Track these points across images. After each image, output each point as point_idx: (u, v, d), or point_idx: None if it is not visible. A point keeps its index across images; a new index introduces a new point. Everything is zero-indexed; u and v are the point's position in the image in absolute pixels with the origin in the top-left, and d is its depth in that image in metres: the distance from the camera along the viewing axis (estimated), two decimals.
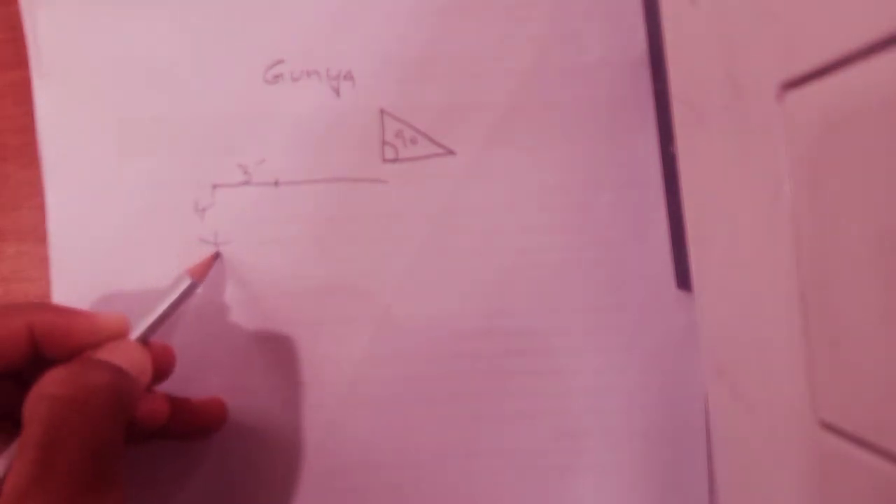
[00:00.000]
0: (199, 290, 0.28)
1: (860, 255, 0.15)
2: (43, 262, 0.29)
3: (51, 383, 0.21)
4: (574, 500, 0.28)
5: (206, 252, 0.29)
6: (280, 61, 0.29)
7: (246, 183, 0.29)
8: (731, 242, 0.22)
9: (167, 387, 0.27)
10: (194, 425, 0.27)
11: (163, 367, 0.26)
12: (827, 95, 0.16)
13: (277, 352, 0.29)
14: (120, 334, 0.24)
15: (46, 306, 0.24)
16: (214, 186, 0.29)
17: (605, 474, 0.29)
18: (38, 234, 0.29)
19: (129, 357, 0.23)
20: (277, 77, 0.29)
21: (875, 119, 0.15)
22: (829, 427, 0.18)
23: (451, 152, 0.29)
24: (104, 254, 0.29)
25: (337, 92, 0.29)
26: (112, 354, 0.23)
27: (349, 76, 0.29)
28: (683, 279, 0.28)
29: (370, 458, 0.29)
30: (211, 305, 0.29)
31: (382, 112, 0.29)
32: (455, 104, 0.29)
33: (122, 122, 0.29)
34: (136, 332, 0.25)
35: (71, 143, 0.29)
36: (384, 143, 0.29)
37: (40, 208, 0.29)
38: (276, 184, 0.29)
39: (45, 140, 0.29)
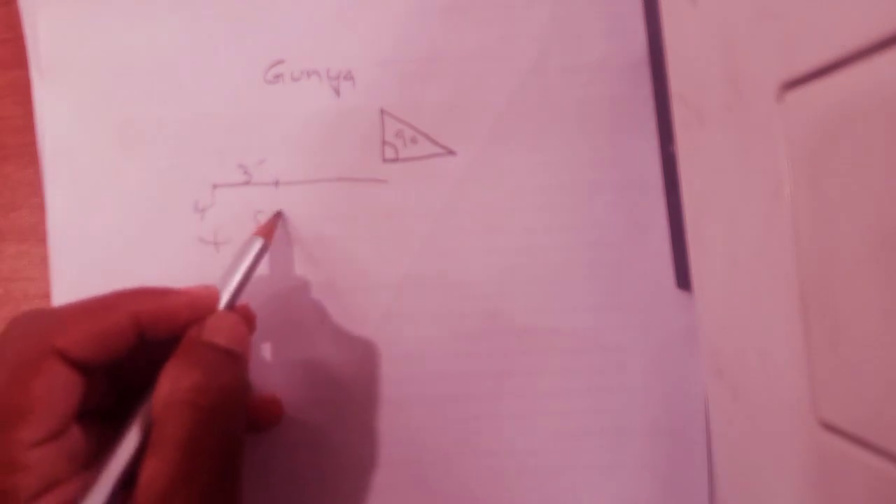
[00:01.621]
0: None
1: (860, 255, 0.15)
2: (43, 262, 0.29)
3: (190, 389, 0.21)
4: (574, 500, 0.28)
5: (206, 251, 0.29)
6: (280, 61, 0.29)
7: (246, 183, 0.29)
8: (731, 242, 0.22)
9: None
10: (252, 421, 0.27)
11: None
12: (827, 95, 0.16)
13: (277, 352, 0.29)
14: (213, 306, 0.24)
15: (145, 292, 0.23)
16: (214, 186, 0.29)
17: (606, 474, 0.29)
18: (38, 234, 0.29)
19: (232, 333, 0.23)
20: (277, 77, 0.29)
21: (875, 119, 0.15)
22: (829, 427, 0.18)
23: (451, 152, 0.29)
24: (104, 254, 0.29)
25: (337, 92, 0.29)
26: (215, 333, 0.23)
27: (349, 76, 0.29)
28: (683, 279, 0.28)
29: (370, 457, 0.29)
30: None
31: (382, 112, 0.29)
32: (455, 104, 0.29)
33: (122, 121, 0.29)
34: (223, 303, 0.25)
35: (71, 143, 0.29)
36: (384, 143, 0.29)
37: (40, 208, 0.29)
38: (276, 184, 0.29)
39: (45, 140, 0.29)
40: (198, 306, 0.24)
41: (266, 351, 0.29)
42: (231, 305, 0.25)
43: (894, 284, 0.15)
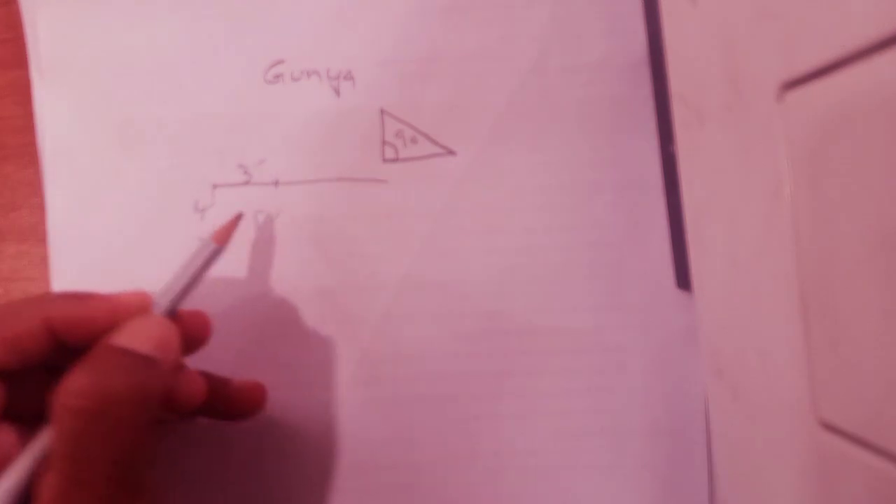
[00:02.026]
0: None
1: (860, 255, 0.15)
2: (43, 262, 0.29)
3: (72, 393, 0.20)
4: (574, 500, 0.28)
5: (205, 251, 0.29)
6: (280, 61, 0.29)
7: (246, 183, 0.29)
8: (731, 242, 0.22)
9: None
10: (232, 407, 0.27)
11: (196, 335, 0.25)
12: (827, 95, 0.16)
13: (277, 352, 0.29)
14: (141, 312, 0.24)
15: (63, 297, 0.23)
16: (214, 186, 0.29)
17: (606, 474, 0.29)
18: (38, 234, 0.29)
19: (151, 337, 0.22)
20: (277, 77, 0.29)
21: (875, 119, 0.15)
22: (829, 427, 0.18)
23: (451, 152, 0.29)
24: (104, 254, 0.29)
25: (337, 92, 0.29)
26: (133, 338, 0.22)
27: (349, 76, 0.29)
28: (683, 279, 0.28)
29: (370, 458, 0.29)
30: (210, 306, 0.29)
31: (382, 112, 0.29)
32: (455, 104, 0.29)
33: (122, 121, 0.29)
34: (159, 307, 0.24)
35: (71, 143, 0.29)
36: (384, 143, 0.29)
37: (40, 208, 0.29)
38: (276, 184, 0.29)
39: (45, 140, 0.29)
40: (120, 312, 0.23)
41: (265, 351, 0.29)
42: (173, 310, 0.24)
43: (894, 284, 0.15)
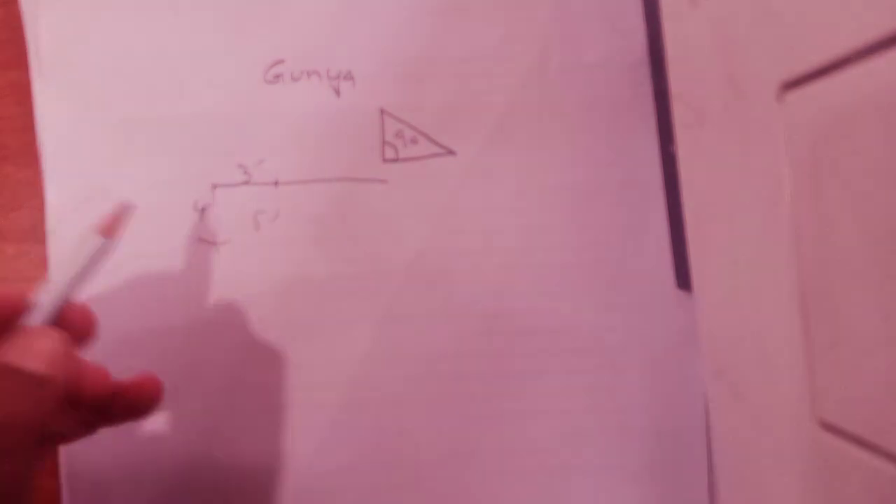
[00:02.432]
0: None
1: (860, 256, 0.15)
2: (43, 262, 0.29)
3: None
4: (574, 500, 0.28)
5: (206, 251, 0.29)
6: (280, 61, 0.29)
7: (246, 183, 0.29)
8: (731, 242, 0.22)
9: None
10: (128, 406, 0.24)
11: (83, 330, 0.23)
12: (827, 95, 0.16)
13: (277, 352, 0.29)
14: (19, 311, 0.22)
15: None
16: (214, 186, 0.29)
17: (606, 474, 0.29)
18: (38, 234, 0.29)
19: (42, 353, 0.20)
20: (277, 77, 0.29)
21: (875, 119, 0.15)
22: (829, 427, 0.18)
23: (451, 152, 0.29)
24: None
25: (337, 92, 0.29)
26: (24, 353, 0.20)
27: (349, 76, 0.29)
28: (683, 279, 0.28)
29: (371, 458, 0.29)
30: (210, 305, 0.29)
31: (382, 112, 0.29)
32: (455, 104, 0.29)
33: (122, 122, 0.29)
34: (42, 310, 0.22)
35: (71, 143, 0.29)
36: (384, 143, 0.29)
37: (40, 208, 0.29)
38: (276, 184, 0.29)
39: (45, 140, 0.29)
40: None
41: (265, 351, 0.29)
42: (55, 313, 0.22)
43: (894, 285, 0.15)
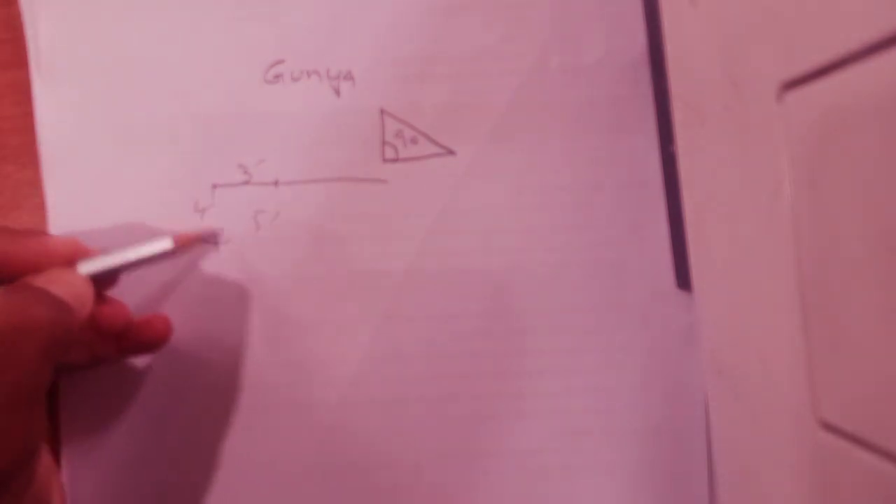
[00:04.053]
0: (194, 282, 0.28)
1: (860, 255, 0.15)
2: None
3: None
4: (574, 500, 0.28)
5: (206, 252, 0.29)
6: (280, 61, 0.29)
7: (246, 183, 0.29)
8: (731, 242, 0.22)
9: None
10: (138, 339, 0.27)
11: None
12: (827, 95, 0.16)
13: (277, 352, 0.29)
14: (70, 259, 0.24)
15: None
16: (214, 186, 0.29)
17: (606, 474, 0.29)
18: None
19: (71, 286, 0.23)
20: (277, 77, 0.29)
21: (875, 119, 0.15)
22: (829, 427, 0.18)
23: (451, 152, 0.29)
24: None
25: (337, 92, 0.29)
26: (52, 282, 0.22)
27: (349, 76, 0.29)
28: (683, 279, 0.28)
29: (370, 458, 0.29)
30: (210, 305, 0.29)
31: (382, 112, 0.29)
32: (455, 104, 0.29)
33: (122, 122, 0.29)
34: (87, 266, 0.24)
35: (71, 143, 0.29)
36: (384, 143, 0.29)
37: (40, 208, 0.29)
38: (276, 184, 0.29)
39: (45, 140, 0.29)
40: (50, 254, 0.24)
41: (265, 351, 0.29)
42: (99, 275, 0.24)
43: (894, 285, 0.15)
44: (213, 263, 0.29)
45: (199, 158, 0.29)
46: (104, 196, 0.29)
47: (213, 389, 0.29)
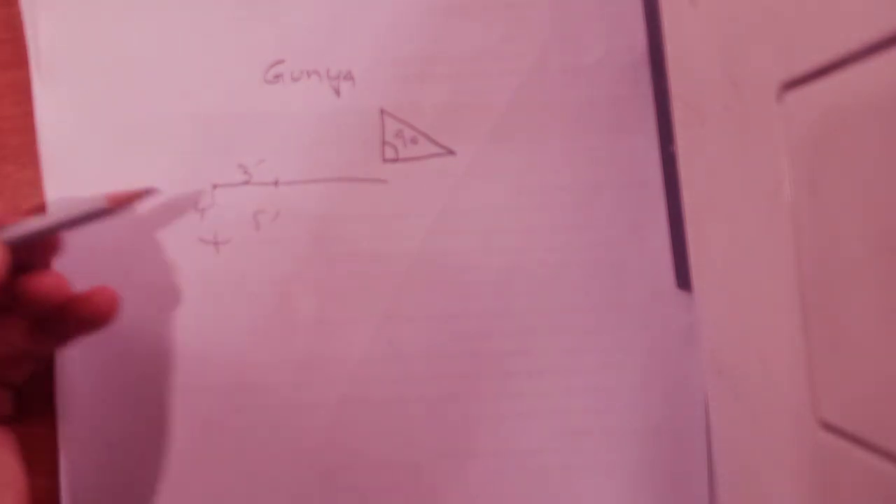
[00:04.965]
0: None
1: (860, 255, 0.15)
2: None
3: None
4: (574, 500, 0.28)
5: (206, 251, 0.29)
6: (280, 61, 0.29)
7: (246, 183, 0.29)
8: (731, 242, 0.22)
9: None
10: (80, 316, 0.26)
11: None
12: (827, 95, 0.16)
13: (277, 352, 0.29)
14: None
15: None
16: (214, 186, 0.29)
17: (606, 474, 0.29)
18: None
19: None
20: (277, 77, 0.29)
21: (875, 119, 0.15)
22: (829, 427, 0.18)
23: (451, 152, 0.29)
24: (103, 254, 0.29)
25: (337, 92, 0.29)
26: None
27: (349, 76, 0.29)
28: (683, 279, 0.28)
29: (370, 458, 0.29)
30: (210, 305, 0.29)
31: (382, 112, 0.29)
32: (455, 104, 0.29)
33: (122, 121, 0.29)
34: (8, 231, 0.24)
35: (71, 143, 0.29)
36: (384, 143, 0.29)
37: (40, 208, 0.29)
38: (276, 184, 0.29)
39: (45, 140, 0.29)
40: None
41: (265, 350, 0.29)
42: (26, 242, 0.24)
43: (894, 285, 0.15)
44: (213, 263, 0.29)
45: (199, 158, 0.29)
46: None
47: (212, 389, 0.29)
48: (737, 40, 0.20)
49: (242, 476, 0.29)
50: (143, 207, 0.28)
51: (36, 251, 0.25)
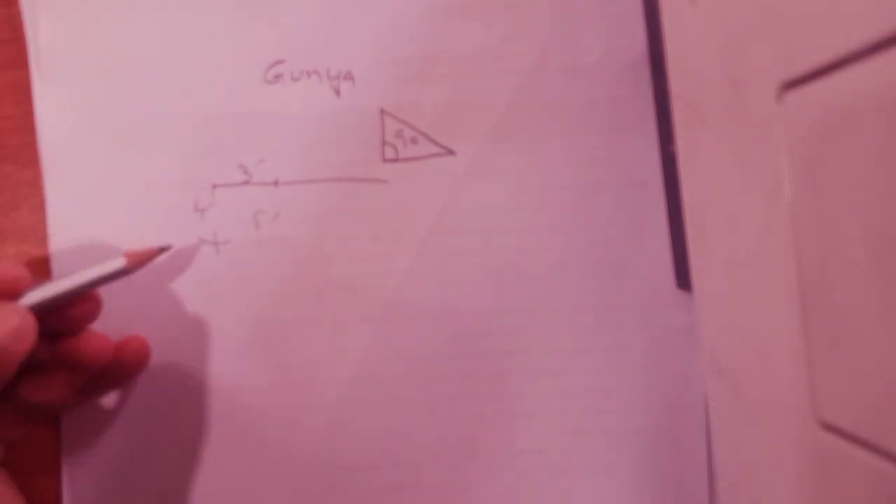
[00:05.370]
0: (183, 287, 0.28)
1: (860, 255, 0.15)
2: (43, 262, 0.29)
3: None
4: (574, 500, 0.28)
5: (206, 251, 0.29)
6: (280, 61, 0.29)
7: (246, 183, 0.29)
8: (731, 242, 0.22)
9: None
10: (120, 372, 0.27)
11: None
12: (827, 95, 0.16)
13: (277, 352, 0.29)
14: (12, 289, 0.24)
15: None
16: (214, 186, 0.29)
17: (605, 474, 0.29)
18: (38, 234, 0.29)
19: (6, 323, 0.23)
20: (277, 77, 0.29)
21: (875, 119, 0.15)
22: (829, 427, 0.18)
23: (451, 152, 0.29)
24: (104, 254, 0.29)
25: (337, 92, 0.29)
26: None
27: (349, 76, 0.29)
28: (683, 279, 0.28)
29: (370, 458, 0.29)
30: (210, 305, 0.29)
31: (382, 112, 0.29)
32: (455, 104, 0.29)
33: (122, 121, 0.29)
34: (33, 296, 0.24)
35: (71, 143, 0.29)
36: (384, 143, 0.29)
37: (40, 208, 0.29)
38: (276, 184, 0.29)
39: (45, 140, 0.29)
40: None
41: (265, 351, 0.29)
42: (46, 304, 0.25)
43: (894, 284, 0.15)
44: (213, 263, 0.29)
45: (199, 158, 0.29)
46: (104, 196, 0.29)
47: (212, 390, 0.29)
48: (737, 40, 0.20)
49: (242, 476, 0.29)
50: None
51: (73, 312, 0.26)
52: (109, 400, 0.28)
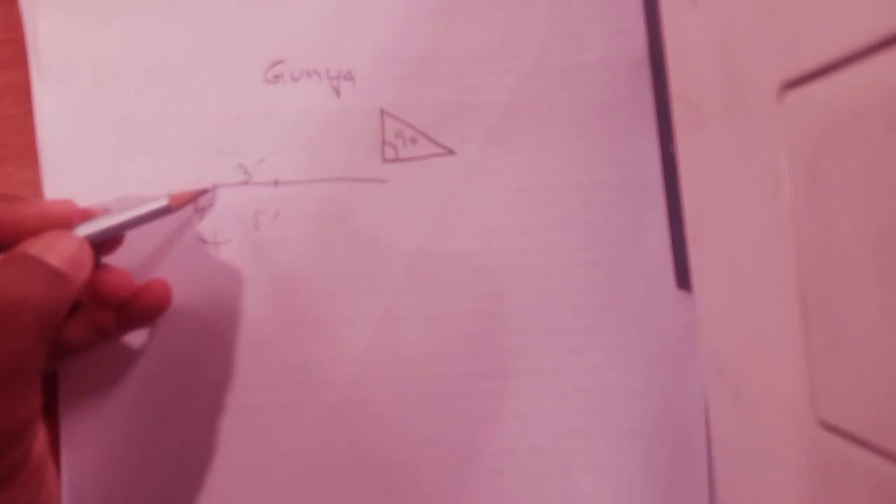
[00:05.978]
0: (192, 288, 0.28)
1: (860, 255, 0.15)
2: None
3: None
4: (574, 500, 0.28)
5: (206, 251, 0.29)
6: (280, 61, 0.29)
7: (246, 183, 0.29)
8: (731, 242, 0.22)
9: None
10: (138, 309, 0.27)
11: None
12: (827, 95, 0.16)
13: (277, 352, 0.29)
14: (67, 220, 0.24)
15: None
16: (214, 186, 0.29)
17: (605, 474, 0.29)
18: None
19: (65, 252, 0.22)
20: (277, 77, 0.29)
21: (875, 119, 0.15)
22: (829, 427, 0.18)
23: (451, 152, 0.29)
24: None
25: (337, 92, 0.29)
26: (48, 249, 0.22)
27: (349, 76, 0.29)
28: (683, 279, 0.28)
29: (370, 458, 0.29)
30: (210, 305, 0.29)
31: (382, 112, 0.29)
32: (455, 104, 0.29)
33: (122, 122, 0.29)
34: (85, 228, 0.25)
35: (71, 143, 0.29)
36: (384, 143, 0.29)
37: None
38: (276, 184, 0.29)
39: (45, 140, 0.29)
40: (46, 219, 0.24)
41: (265, 351, 0.29)
42: (101, 239, 0.25)
43: (894, 284, 0.15)
44: (213, 263, 0.29)
45: (198, 158, 0.29)
46: (104, 196, 0.29)
47: (212, 388, 0.29)
48: (737, 40, 0.20)
49: (242, 476, 0.29)
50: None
51: (101, 248, 0.26)
52: (109, 399, 0.28)
